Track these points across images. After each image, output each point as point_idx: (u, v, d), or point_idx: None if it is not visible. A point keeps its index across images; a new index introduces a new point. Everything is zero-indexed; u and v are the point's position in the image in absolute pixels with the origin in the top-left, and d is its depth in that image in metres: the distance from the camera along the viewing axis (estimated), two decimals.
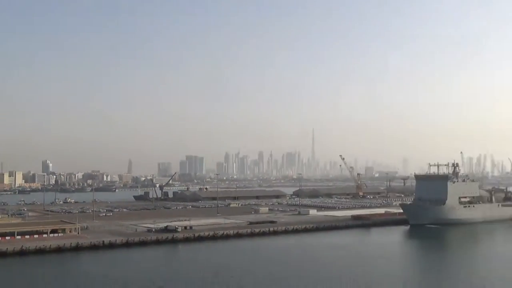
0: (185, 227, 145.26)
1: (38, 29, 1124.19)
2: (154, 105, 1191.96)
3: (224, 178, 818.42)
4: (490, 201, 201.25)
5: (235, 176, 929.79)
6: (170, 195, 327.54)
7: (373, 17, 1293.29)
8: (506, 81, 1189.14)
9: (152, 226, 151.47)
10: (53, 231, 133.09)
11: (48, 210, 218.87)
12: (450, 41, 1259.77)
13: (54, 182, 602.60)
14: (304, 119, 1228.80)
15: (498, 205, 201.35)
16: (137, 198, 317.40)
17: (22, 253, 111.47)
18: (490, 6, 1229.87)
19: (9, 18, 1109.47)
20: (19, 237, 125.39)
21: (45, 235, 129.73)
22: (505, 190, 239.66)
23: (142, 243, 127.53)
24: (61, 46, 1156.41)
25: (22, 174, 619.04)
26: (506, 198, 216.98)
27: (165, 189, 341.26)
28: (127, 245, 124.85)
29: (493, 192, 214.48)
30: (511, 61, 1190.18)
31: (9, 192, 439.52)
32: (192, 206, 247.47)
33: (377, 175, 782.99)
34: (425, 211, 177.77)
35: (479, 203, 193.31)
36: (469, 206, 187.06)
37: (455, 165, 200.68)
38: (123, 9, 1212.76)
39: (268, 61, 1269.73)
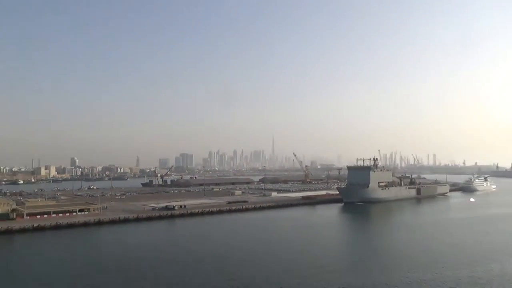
0: (181, 206, 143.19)
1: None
2: (154, 115, 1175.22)
3: (208, 169, 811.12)
4: (400, 185, 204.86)
5: (216, 168, 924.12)
6: (169, 182, 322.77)
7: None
8: (399, 92, 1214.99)
9: (155, 205, 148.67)
10: (80, 210, 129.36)
11: (76, 195, 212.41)
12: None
13: (80, 174, 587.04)
14: (267, 125, 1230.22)
15: (406, 187, 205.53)
16: (144, 185, 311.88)
17: (57, 227, 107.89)
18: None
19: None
20: (54, 215, 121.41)
21: (74, 213, 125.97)
22: (410, 177, 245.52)
23: (149, 218, 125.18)
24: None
25: (55, 168, 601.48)
26: (411, 183, 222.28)
27: (165, 178, 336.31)
28: (137, 220, 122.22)
29: (402, 178, 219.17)
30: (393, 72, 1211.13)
31: (45, 182, 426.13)
32: (185, 190, 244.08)
33: (319, 166, 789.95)
34: (355, 192, 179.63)
35: (392, 186, 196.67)
36: (385, 189, 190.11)
37: (375, 159, 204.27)
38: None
39: (244, 77, 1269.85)
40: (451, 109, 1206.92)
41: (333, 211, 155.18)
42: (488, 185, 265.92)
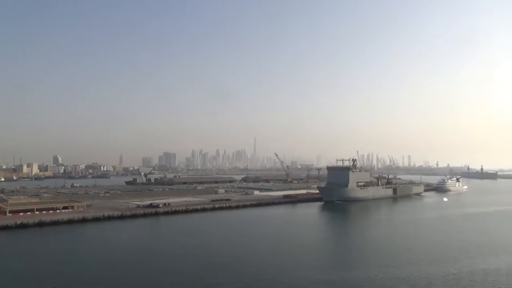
0: (165, 204, 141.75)
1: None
2: (137, 114, 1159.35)
3: (191, 168, 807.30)
4: (377, 184, 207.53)
5: (199, 167, 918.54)
6: (152, 180, 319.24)
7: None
8: (381, 99, 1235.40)
9: (140, 203, 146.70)
10: (64, 208, 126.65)
11: (59, 192, 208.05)
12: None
13: (62, 172, 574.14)
14: (248, 126, 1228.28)
15: (383, 187, 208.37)
16: (128, 183, 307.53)
17: (41, 224, 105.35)
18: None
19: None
20: (37, 212, 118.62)
21: (58, 211, 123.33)
22: (386, 177, 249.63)
23: (133, 216, 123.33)
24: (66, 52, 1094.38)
25: (37, 165, 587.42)
26: (388, 183, 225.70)
27: (149, 176, 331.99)
28: (122, 217, 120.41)
29: (379, 178, 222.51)
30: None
31: (27, 179, 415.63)
32: (169, 189, 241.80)
33: (299, 166, 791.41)
34: (334, 191, 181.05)
35: (370, 186, 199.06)
36: (363, 188, 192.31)
37: (354, 160, 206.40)
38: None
39: (228, 78, 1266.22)
40: (424, 113, 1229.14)
41: (313, 209, 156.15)
42: (460, 185, 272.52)
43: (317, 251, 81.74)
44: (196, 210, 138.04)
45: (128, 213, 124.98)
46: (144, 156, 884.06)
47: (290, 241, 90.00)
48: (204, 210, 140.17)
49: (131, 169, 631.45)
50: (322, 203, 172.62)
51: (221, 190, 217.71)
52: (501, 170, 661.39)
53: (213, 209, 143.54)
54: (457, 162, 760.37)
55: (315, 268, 64.89)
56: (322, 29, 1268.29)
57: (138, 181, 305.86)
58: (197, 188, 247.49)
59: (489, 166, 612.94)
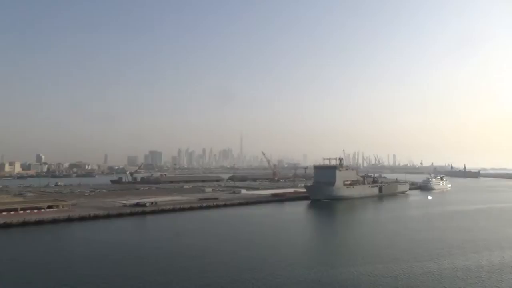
0: (152, 203, 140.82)
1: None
2: (123, 112, 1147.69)
3: (178, 167, 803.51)
4: (364, 183, 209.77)
5: (185, 166, 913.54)
6: (138, 179, 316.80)
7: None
8: (361, 100, 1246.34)
9: (126, 202, 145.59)
10: (49, 207, 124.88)
11: (43, 191, 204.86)
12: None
13: (46, 170, 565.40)
14: (235, 124, 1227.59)
15: (369, 186, 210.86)
16: (113, 182, 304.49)
17: (25, 224, 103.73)
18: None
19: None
20: (21, 211, 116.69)
21: (42, 210, 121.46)
22: (372, 176, 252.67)
23: (119, 215, 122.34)
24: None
25: (20, 164, 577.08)
26: (374, 181, 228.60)
27: (135, 175, 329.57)
28: (108, 216, 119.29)
29: (365, 177, 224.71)
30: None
31: (9, 178, 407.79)
32: (155, 188, 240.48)
33: (286, 165, 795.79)
34: (321, 190, 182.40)
35: (357, 184, 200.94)
36: (350, 187, 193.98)
37: (341, 159, 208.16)
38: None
39: (214, 76, 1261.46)
40: (409, 114, 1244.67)
41: (301, 208, 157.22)
42: (444, 184, 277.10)
43: (304, 249, 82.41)
44: (183, 209, 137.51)
45: (115, 212, 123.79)
46: (130, 155, 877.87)
47: (278, 240, 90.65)
48: (191, 209, 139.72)
49: (116, 168, 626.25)
50: (310, 201, 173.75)
51: (208, 189, 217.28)
52: (483, 169, 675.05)
53: (201, 208, 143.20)
54: (441, 161, 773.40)
55: (303, 266, 65.47)
56: (308, 28, 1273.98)
57: (124, 180, 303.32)
58: (184, 187, 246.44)
59: (472, 165, 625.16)
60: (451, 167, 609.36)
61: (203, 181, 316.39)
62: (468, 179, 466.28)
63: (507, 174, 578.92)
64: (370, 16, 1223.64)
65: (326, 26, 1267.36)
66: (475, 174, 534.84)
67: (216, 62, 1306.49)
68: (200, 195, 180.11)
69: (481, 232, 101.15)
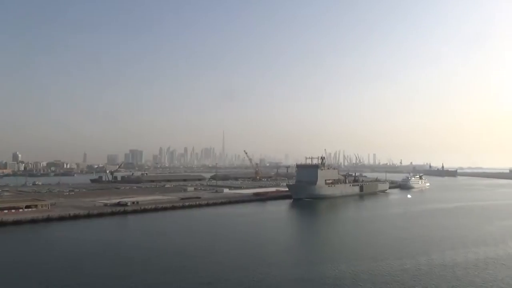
0: (133, 202, 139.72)
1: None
2: (102, 110, 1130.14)
3: (159, 166, 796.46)
4: (345, 182, 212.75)
5: (167, 165, 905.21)
6: (119, 178, 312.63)
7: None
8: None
9: (107, 202, 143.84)
10: (27, 207, 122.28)
11: (20, 191, 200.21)
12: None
13: (23, 169, 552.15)
14: (217, 123, 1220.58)
15: (350, 185, 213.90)
16: (93, 181, 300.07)
17: (2, 224, 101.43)
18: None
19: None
20: None
21: (21, 210, 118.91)
22: (353, 175, 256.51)
23: (100, 215, 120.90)
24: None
25: None
26: (355, 180, 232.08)
27: (115, 174, 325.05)
28: (88, 216, 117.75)
29: (346, 176, 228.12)
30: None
31: None
32: (136, 187, 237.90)
33: (268, 164, 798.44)
34: (303, 189, 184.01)
35: (338, 183, 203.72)
36: (331, 186, 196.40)
37: (322, 158, 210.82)
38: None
39: (195, 74, 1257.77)
40: (388, 114, 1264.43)
41: (283, 207, 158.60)
42: (423, 183, 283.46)
43: (288, 248, 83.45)
44: (165, 209, 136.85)
45: (95, 211, 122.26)
46: (110, 153, 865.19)
47: (262, 238, 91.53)
48: (173, 208, 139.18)
49: (96, 166, 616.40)
50: (292, 200, 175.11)
51: (190, 188, 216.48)
52: (460, 168, 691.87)
53: (183, 207, 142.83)
54: (420, 160, 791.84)
55: (287, 264, 66.43)
56: (294, 28, 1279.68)
57: (104, 179, 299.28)
58: (166, 186, 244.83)
59: (450, 164, 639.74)
60: (430, 166, 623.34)
61: (185, 180, 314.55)
62: (446, 177, 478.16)
63: (483, 173, 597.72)
64: (359, 17, 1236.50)
65: (318, 28, 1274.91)
66: (453, 173, 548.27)
67: (197, 59, 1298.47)
68: (182, 194, 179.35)
69: (459, 229, 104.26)
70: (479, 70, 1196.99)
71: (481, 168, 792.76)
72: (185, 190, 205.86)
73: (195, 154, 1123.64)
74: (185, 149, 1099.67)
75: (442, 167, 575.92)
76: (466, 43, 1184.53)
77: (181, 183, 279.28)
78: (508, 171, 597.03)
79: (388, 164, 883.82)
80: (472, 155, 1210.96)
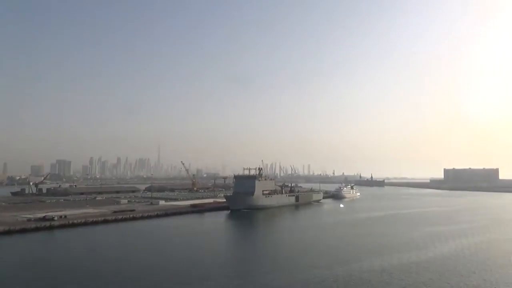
0: (61, 216, 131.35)
1: None
2: (24, 117, 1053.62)
3: (90, 177, 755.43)
4: (281, 193, 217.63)
5: (98, 176, 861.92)
6: (44, 191, 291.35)
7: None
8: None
9: (31, 216, 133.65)
10: None
11: None
12: None
13: None
14: (153, 132, 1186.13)
15: (286, 195, 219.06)
16: (14, 194, 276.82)
17: None
18: None
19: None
20: None
21: None
22: (289, 185, 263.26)
23: (23, 230, 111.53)
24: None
25: None
26: (291, 191, 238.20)
27: (40, 186, 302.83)
28: (9, 232, 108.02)
29: (282, 187, 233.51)
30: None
31: None
32: (64, 200, 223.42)
33: (205, 175, 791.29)
34: (241, 200, 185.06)
35: (275, 194, 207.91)
36: (269, 196, 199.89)
37: (260, 169, 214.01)
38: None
39: (129, 84, 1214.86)
40: (321, 126, 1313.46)
41: (221, 218, 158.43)
42: (354, 192, 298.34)
43: (225, 260, 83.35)
44: (96, 222, 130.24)
45: (17, 227, 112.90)
46: (34, 164, 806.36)
47: (199, 252, 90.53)
48: (105, 222, 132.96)
49: (18, 178, 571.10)
50: (229, 211, 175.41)
51: (124, 201, 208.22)
52: (387, 178, 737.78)
53: (116, 220, 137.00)
54: (351, 171, 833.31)
55: (224, 276, 66.34)
56: (222, 37, 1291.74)
57: (27, 192, 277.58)
58: (97, 198, 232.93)
59: (378, 174, 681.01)
60: (360, 176, 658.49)
61: (117, 192, 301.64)
62: (375, 187, 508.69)
63: (407, 182, 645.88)
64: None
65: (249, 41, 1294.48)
66: (381, 183, 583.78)
67: (129, 70, 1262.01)
68: (115, 207, 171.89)
69: (387, 236, 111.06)
70: (409, 89, 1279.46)
71: (405, 178, 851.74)
72: (118, 203, 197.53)
73: (129, 164, 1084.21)
74: (118, 160, 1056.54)
75: (371, 177, 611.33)
76: (398, 65, 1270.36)
77: (114, 195, 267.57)
78: (429, 180, 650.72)
79: (321, 174, 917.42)
80: (398, 166, 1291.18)
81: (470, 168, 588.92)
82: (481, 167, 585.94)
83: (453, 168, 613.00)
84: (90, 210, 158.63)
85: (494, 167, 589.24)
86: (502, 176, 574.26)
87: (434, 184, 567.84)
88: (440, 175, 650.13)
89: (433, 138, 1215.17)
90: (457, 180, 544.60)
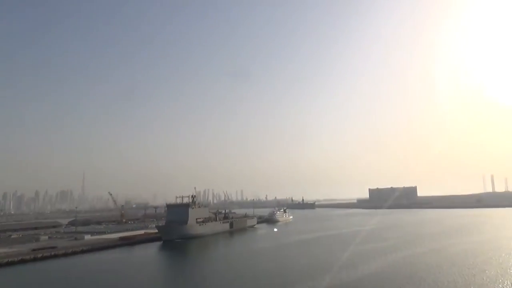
0: None
1: None
2: None
3: (2, 214, 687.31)
4: (215, 220, 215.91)
5: (12, 212, 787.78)
6: None
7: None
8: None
9: None
10: None
11: None
12: None
13: None
14: (76, 162, 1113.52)
15: (220, 222, 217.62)
16: None
17: None
18: None
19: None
20: None
21: None
22: (223, 212, 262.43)
23: None
24: None
25: None
26: (225, 217, 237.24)
27: None
28: None
29: (217, 214, 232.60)
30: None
31: None
32: None
33: (134, 206, 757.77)
34: (174, 229, 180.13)
35: (209, 221, 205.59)
36: (202, 224, 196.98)
37: (193, 196, 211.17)
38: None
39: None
40: (247, 153, 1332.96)
41: (152, 250, 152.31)
42: (287, 216, 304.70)
43: None
44: (12, 263, 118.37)
45: None
46: None
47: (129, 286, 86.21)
48: (23, 261, 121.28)
49: None
50: (162, 242, 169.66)
51: (44, 237, 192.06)
52: (318, 200, 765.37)
53: (35, 259, 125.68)
54: (283, 194, 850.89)
55: None
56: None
57: None
58: (12, 236, 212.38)
59: (309, 197, 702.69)
60: (292, 199, 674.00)
61: (36, 228, 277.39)
62: (306, 210, 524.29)
63: (336, 203, 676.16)
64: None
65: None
66: (311, 205, 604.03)
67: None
68: (34, 245, 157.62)
69: (318, 257, 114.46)
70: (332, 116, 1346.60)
71: (334, 199, 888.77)
72: (37, 240, 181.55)
73: (49, 197, 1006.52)
74: (36, 193, 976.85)
75: (303, 200, 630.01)
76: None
77: (32, 232, 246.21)
78: (356, 201, 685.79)
79: (254, 199, 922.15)
80: (328, 188, 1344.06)
81: (391, 187, 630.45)
82: (402, 186, 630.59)
83: (377, 188, 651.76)
84: (4, 250, 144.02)
85: (413, 185, 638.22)
86: (420, 193, 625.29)
87: (360, 204, 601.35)
88: (366, 194, 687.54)
89: (358, 159, 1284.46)
90: (381, 199, 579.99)
